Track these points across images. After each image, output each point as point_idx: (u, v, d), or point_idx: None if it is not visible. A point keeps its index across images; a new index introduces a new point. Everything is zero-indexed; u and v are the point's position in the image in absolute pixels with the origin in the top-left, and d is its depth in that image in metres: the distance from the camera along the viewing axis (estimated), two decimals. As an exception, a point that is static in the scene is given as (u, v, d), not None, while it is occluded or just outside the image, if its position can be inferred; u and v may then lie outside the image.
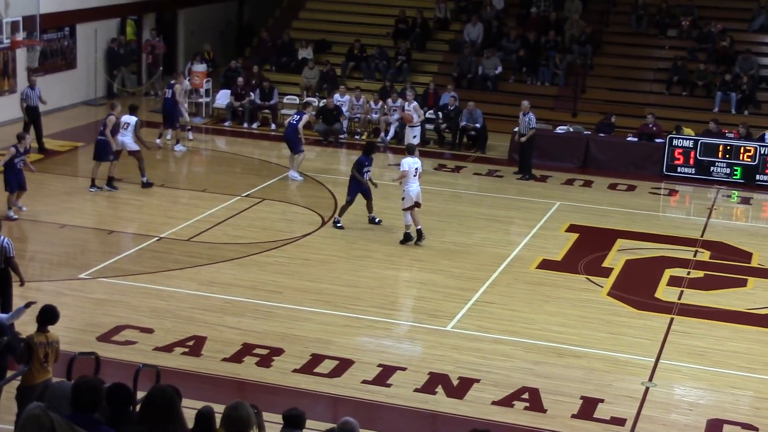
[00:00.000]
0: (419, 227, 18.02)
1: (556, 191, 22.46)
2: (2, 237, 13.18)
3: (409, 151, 18.91)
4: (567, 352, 14.08)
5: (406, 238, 18.05)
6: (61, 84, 27.17)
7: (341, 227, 18.75)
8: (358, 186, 18.83)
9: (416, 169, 18.11)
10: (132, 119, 20.78)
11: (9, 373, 10.53)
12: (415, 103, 23.87)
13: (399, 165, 19.11)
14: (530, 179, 23.14)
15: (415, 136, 23.26)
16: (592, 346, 14.31)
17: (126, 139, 20.72)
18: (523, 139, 23.24)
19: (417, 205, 18.06)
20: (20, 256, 16.68)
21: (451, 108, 25.76)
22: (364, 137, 26.45)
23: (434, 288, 16.21)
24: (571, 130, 25.26)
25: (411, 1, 31.91)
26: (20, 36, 24.14)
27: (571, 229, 19.69)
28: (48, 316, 10.35)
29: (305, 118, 22.31)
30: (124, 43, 30.22)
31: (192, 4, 33.29)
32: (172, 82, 24.19)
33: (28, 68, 25.74)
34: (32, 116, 23.05)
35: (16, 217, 18.24)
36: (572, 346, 14.26)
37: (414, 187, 17.98)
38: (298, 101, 27.94)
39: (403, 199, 18.04)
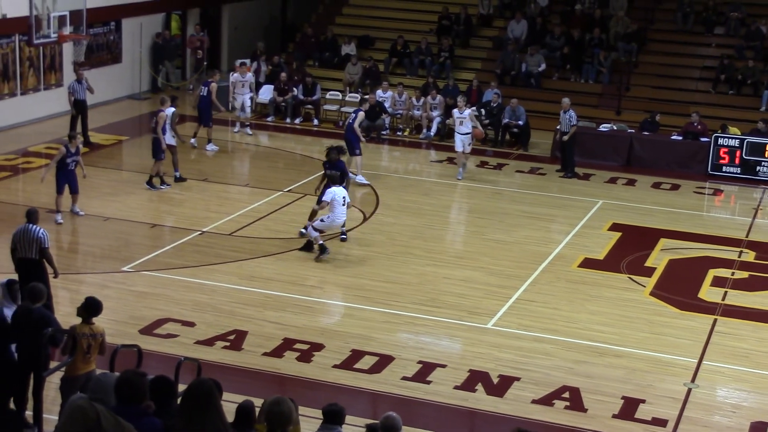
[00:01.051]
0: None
1: (599, 189, 22.32)
2: (38, 228, 13.25)
3: (333, 180, 17.31)
4: (608, 351, 13.99)
5: (320, 250, 16.84)
6: (107, 78, 27.40)
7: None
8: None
9: (344, 198, 16.74)
10: (169, 110, 20.91)
11: (52, 364, 10.63)
12: (469, 111, 22.60)
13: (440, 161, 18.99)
14: (573, 177, 23.02)
15: (469, 144, 22.39)
16: (633, 346, 14.20)
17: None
18: (566, 137, 23.13)
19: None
20: (64, 248, 16.94)
21: (494, 105, 25.67)
22: (406, 133, 26.45)
23: (475, 285, 16.16)
24: (615, 128, 25.09)
25: (455, -2, 31.89)
26: (67, 30, 24.34)
27: (614, 227, 19.56)
28: (91, 307, 10.42)
29: (360, 115, 21.83)
30: (168, 37, 30.42)
31: (236, 0, 33.44)
32: (209, 80, 24.21)
33: (75, 62, 25.99)
34: (79, 109, 23.28)
35: (61, 221, 17.85)
36: (613, 346, 14.16)
37: (340, 220, 16.88)
38: (340, 97, 28.01)
39: (321, 220, 16.83)
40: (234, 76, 25.66)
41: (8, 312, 10.58)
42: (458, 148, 22.26)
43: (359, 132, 21.65)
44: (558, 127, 23.75)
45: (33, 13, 23.27)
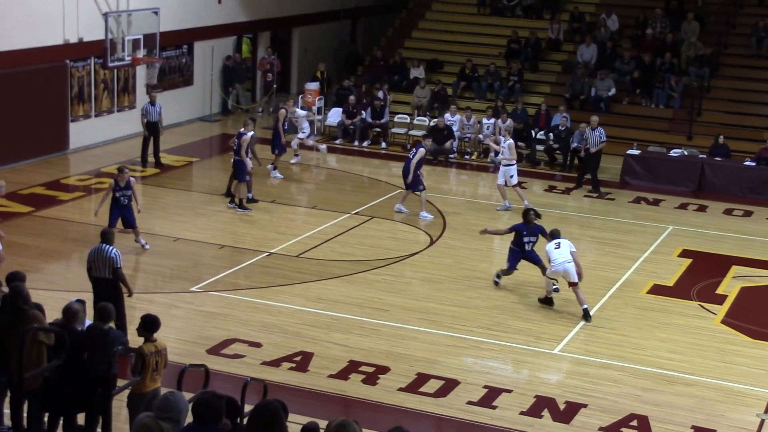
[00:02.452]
0: None
1: (669, 215, 22.04)
2: (111, 248, 13.45)
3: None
4: (677, 379, 13.77)
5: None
6: (178, 100, 27.80)
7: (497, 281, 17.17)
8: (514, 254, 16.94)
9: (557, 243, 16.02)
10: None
11: (120, 382, 10.75)
12: (510, 141, 21.90)
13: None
14: (600, 195, 23.15)
15: (512, 176, 21.61)
16: (704, 375, 13.97)
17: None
18: (593, 149, 23.29)
19: None
20: (135, 268, 17.15)
21: (563, 129, 25.53)
22: (474, 157, 26.42)
23: (542, 310, 16.04)
24: (686, 153, 24.79)
25: (524, 22, 31.85)
26: (141, 53, 24.82)
27: (684, 254, 19.29)
28: (151, 325, 10.51)
29: (421, 152, 20.73)
30: (239, 60, 30.80)
31: (306, 23, 33.76)
32: (280, 105, 24.18)
33: (148, 84, 26.43)
34: (152, 131, 23.65)
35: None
36: (683, 374, 13.94)
37: (559, 264, 15.81)
38: (409, 120, 28.07)
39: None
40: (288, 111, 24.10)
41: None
42: (500, 181, 21.85)
43: (416, 170, 20.57)
44: (576, 143, 24.10)
45: (108, 36, 23.80)
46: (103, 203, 17.54)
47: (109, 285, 13.43)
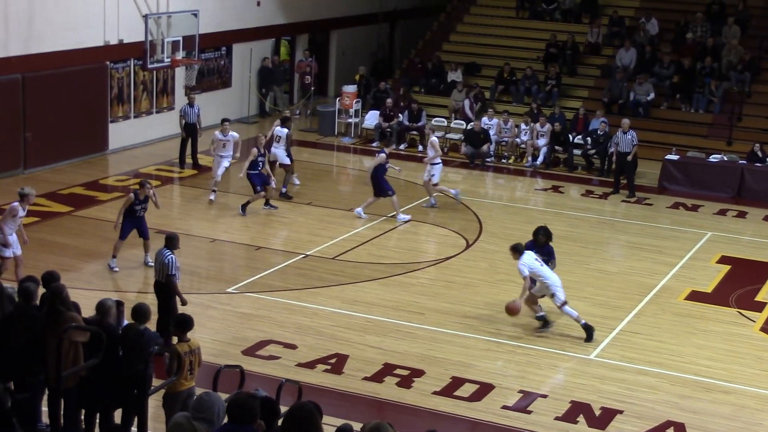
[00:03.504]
0: None
1: (708, 221, 21.85)
2: (168, 253, 13.58)
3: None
4: (715, 387, 13.64)
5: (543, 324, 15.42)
6: (217, 102, 27.93)
7: None
8: None
9: (536, 259, 15.01)
10: (283, 131, 21.26)
11: (156, 382, 10.81)
12: (434, 138, 21.88)
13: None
14: (638, 200, 23.05)
15: (434, 174, 21.36)
16: (742, 383, 13.82)
17: (278, 151, 21.32)
18: (629, 157, 23.21)
19: None
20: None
21: (601, 133, 25.39)
22: (511, 161, 26.33)
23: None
24: (725, 158, 24.58)
25: (562, 26, 31.72)
26: (180, 55, 24.97)
27: (723, 260, 19.12)
28: (185, 324, 10.57)
29: (379, 158, 20.51)
30: (277, 63, 30.90)
31: (344, 26, 33.83)
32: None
33: (186, 86, 26.60)
34: (189, 132, 23.79)
35: (117, 269, 16.81)
36: (721, 381, 13.80)
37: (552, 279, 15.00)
38: (446, 123, 28.04)
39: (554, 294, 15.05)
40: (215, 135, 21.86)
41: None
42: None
43: (371, 174, 20.56)
44: (612, 148, 23.97)
45: (148, 38, 23.96)
46: (121, 215, 16.91)
47: (164, 289, 13.66)
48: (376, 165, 20.53)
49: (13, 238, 15.35)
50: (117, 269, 16.88)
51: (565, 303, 14.94)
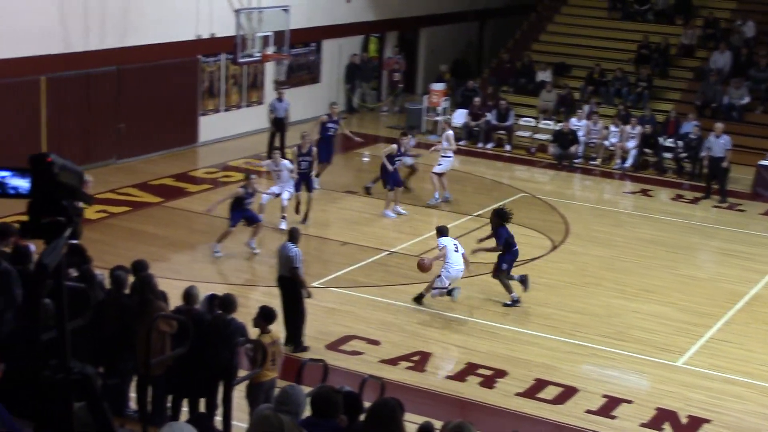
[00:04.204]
0: None
1: (804, 229, 21.34)
2: (292, 247, 13.65)
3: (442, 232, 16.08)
4: (806, 399, 13.31)
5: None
6: (305, 97, 28.10)
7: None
8: None
9: (455, 245, 15.72)
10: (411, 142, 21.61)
11: (241, 373, 10.93)
12: (449, 132, 21.83)
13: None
14: (730, 206, 22.62)
15: (440, 164, 21.39)
16: (834, 396, 13.47)
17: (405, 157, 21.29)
18: (725, 164, 22.82)
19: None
20: (260, 261, 17.37)
21: (694, 138, 24.92)
22: (599, 162, 26.02)
23: (665, 321, 15.69)
24: (823, 165, 23.99)
25: (655, 27, 31.22)
26: (270, 50, 25.18)
27: (818, 269, 18.64)
28: (269, 315, 10.73)
29: (390, 148, 20.60)
30: (366, 59, 30.99)
31: (434, 24, 33.78)
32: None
33: (276, 81, 26.82)
34: (278, 127, 24.00)
35: (220, 254, 17.27)
36: (812, 394, 13.47)
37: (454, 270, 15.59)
38: (534, 123, 27.83)
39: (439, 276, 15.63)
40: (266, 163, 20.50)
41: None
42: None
43: (385, 163, 20.39)
44: (704, 152, 23.51)
45: (239, 33, 24.20)
46: (220, 204, 17.70)
47: (288, 283, 13.72)
48: (386, 155, 20.57)
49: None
50: (220, 254, 17.26)
51: (445, 290, 15.52)
